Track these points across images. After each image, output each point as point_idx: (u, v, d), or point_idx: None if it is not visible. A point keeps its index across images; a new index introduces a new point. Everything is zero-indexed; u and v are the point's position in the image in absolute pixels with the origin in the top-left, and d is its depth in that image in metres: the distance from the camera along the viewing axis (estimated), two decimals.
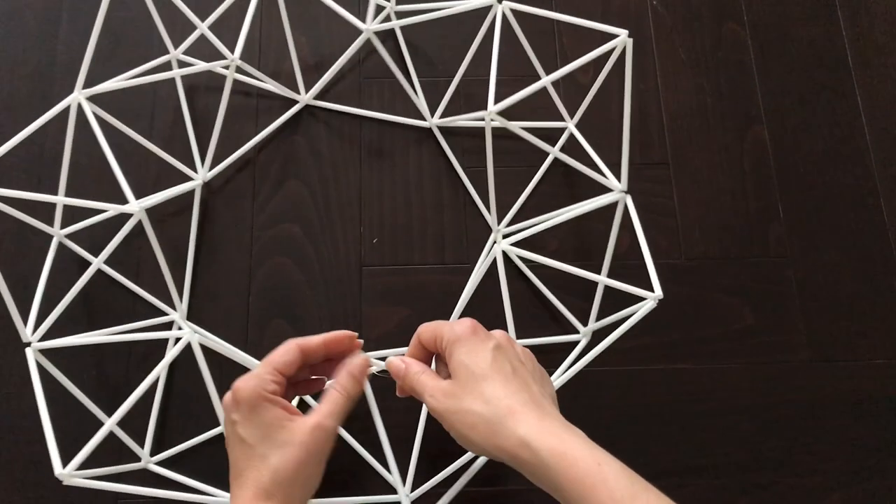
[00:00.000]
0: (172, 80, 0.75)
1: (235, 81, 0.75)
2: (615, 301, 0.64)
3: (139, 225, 0.56)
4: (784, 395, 0.68)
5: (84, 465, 0.56)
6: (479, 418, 0.47)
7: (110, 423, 0.55)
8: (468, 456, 0.63)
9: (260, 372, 0.50)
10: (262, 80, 0.72)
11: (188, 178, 0.72)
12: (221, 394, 0.54)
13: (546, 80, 0.61)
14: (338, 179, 0.73)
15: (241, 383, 0.49)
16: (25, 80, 0.75)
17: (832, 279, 0.72)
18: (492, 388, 0.48)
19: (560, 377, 0.64)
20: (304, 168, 0.74)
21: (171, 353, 0.56)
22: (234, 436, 0.49)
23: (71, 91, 0.61)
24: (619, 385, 0.67)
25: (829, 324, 0.70)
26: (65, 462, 0.54)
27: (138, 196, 0.62)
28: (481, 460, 0.62)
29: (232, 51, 0.62)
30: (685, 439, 0.66)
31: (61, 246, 0.68)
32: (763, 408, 0.67)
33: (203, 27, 0.64)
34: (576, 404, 0.63)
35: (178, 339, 0.57)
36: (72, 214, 0.68)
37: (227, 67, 0.62)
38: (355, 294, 0.70)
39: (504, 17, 0.64)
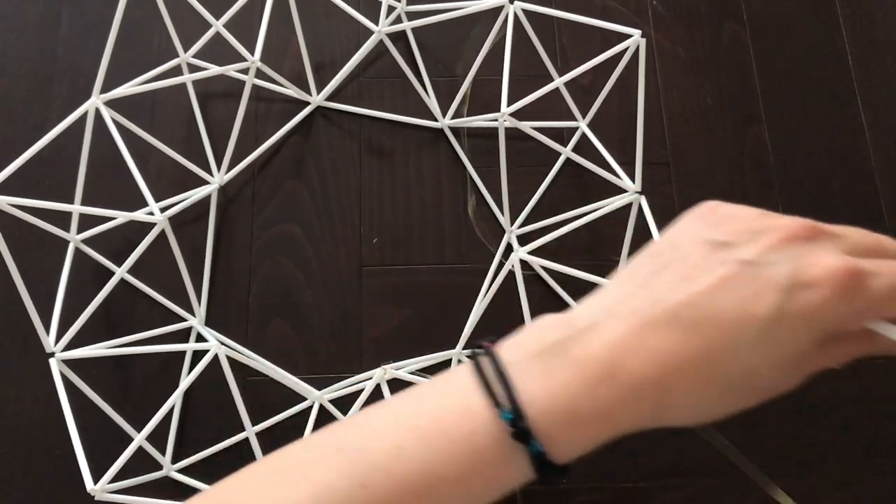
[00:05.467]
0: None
1: (235, 82, 0.75)
2: None
3: (144, 227, 0.56)
4: (784, 395, 0.67)
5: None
6: None
7: (139, 439, 0.55)
8: None
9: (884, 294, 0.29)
10: (280, 83, 0.72)
11: (199, 182, 0.71)
12: (245, 401, 0.54)
13: (559, 82, 0.61)
14: (338, 179, 0.73)
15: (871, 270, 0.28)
16: (25, 79, 0.75)
17: None
18: None
19: None
20: (304, 168, 0.74)
21: (199, 366, 0.56)
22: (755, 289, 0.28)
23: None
24: None
25: None
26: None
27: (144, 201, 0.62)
28: None
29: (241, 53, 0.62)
30: (685, 439, 0.66)
31: (74, 251, 0.67)
32: (762, 408, 0.67)
33: (218, 25, 0.64)
34: None
35: (205, 351, 0.57)
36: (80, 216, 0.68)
37: (243, 71, 0.62)
38: (355, 294, 0.70)
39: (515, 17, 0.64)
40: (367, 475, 0.27)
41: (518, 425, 0.27)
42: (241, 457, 0.63)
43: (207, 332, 0.66)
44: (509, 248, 0.70)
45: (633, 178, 0.66)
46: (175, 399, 0.58)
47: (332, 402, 0.65)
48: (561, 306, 0.69)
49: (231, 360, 0.56)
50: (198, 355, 0.65)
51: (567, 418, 0.27)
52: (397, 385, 0.66)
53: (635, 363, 0.27)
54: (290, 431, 0.64)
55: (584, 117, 0.74)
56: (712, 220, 0.30)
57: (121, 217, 0.56)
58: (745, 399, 0.30)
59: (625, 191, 0.68)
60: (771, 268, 0.28)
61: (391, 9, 0.74)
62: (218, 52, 0.73)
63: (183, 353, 0.66)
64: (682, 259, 0.29)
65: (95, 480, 0.54)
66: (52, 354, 0.57)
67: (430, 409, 0.28)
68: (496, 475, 0.28)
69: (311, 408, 0.65)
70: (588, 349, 0.28)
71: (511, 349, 0.29)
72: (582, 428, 0.28)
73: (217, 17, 0.64)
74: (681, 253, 0.29)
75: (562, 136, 0.75)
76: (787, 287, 0.27)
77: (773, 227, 0.29)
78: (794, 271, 0.28)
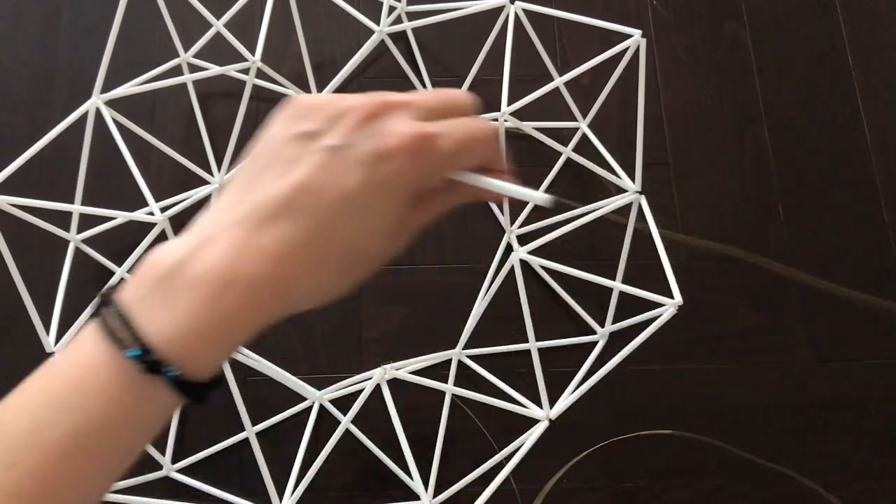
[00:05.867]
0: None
1: (235, 82, 0.75)
2: (627, 296, 0.64)
3: (144, 227, 0.56)
4: (784, 395, 0.68)
5: None
6: None
7: None
8: (494, 460, 0.63)
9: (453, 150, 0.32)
10: (280, 83, 0.72)
11: (199, 182, 0.72)
12: (245, 401, 0.54)
13: (559, 81, 0.61)
14: None
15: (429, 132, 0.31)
16: (25, 79, 0.75)
17: (832, 279, 0.71)
18: None
19: (588, 381, 0.64)
20: None
21: None
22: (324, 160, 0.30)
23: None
24: (619, 385, 0.67)
25: (829, 324, 0.70)
26: None
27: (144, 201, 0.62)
28: (511, 464, 0.62)
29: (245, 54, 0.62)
30: (685, 439, 0.66)
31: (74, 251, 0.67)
32: (763, 408, 0.67)
33: (219, 25, 0.64)
34: (576, 404, 0.63)
35: None
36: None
37: (244, 71, 0.62)
38: (355, 294, 0.69)
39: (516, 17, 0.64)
40: (12, 456, 0.27)
41: (146, 360, 0.28)
42: (240, 457, 0.63)
43: None
44: (509, 248, 0.70)
45: (633, 178, 0.66)
46: None
47: (332, 402, 0.65)
48: (561, 306, 0.69)
49: (231, 360, 0.56)
50: None
51: (196, 337, 0.28)
52: (397, 385, 0.66)
53: (249, 266, 0.29)
54: (290, 431, 0.64)
55: (584, 117, 0.74)
56: (297, 114, 0.32)
57: (121, 217, 0.56)
58: (359, 269, 0.32)
59: (625, 190, 0.68)
60: (354, 148, 0.30)
61: (392, 9, 0.74)
62: (218, 51, 0.73)
63: None
64: (276, 156, 0.31)
65: None
66: (52, 354, 0.57)
67: (60, 372, 0.29)
68: (144, 413, 0.29)
69: (311, 408, 0.65)
70: (204, 266, 0.28)
71: (129, 289, 0.29)
72: (214, 341, 0.29)
73: (217, 17, 0.64)
74: (275, 151, 0.31)
75: (562, 136, 0.75)
76: (370, 162, 0.30)
77: (350, 110, 0.31)
78: (372, 147, 0.30)
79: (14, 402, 0.29)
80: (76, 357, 0.29)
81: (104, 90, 0.61)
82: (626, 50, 0.61)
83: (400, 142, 0.30)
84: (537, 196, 0.33)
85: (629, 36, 0.60)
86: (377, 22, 0.72)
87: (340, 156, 0.30)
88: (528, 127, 0.71)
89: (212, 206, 0.31)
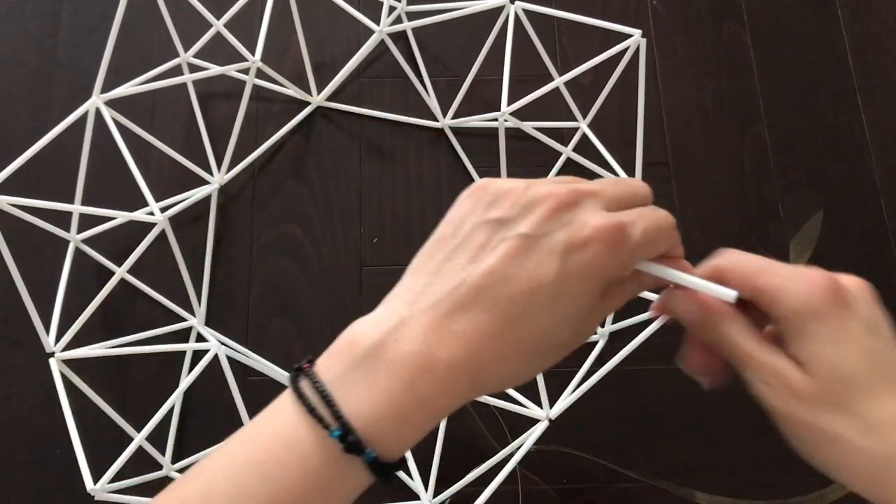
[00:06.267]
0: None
1: (235, 82, 0.75)
2: None
3: (144, 227, 0.56)
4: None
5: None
6: (855, 454, 0.32)
7: (139, 439, 0.55)
8: (494, 460, 0.62)
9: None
10: (280, 83, 0.72)
11: (199, 182, 0.72)
12: (246, 401, 0.54)
13: (559, 81, 0.61)
14: (338, 179, 0.73)
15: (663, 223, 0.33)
16: (25, 79, 0.75)
17: None
18: (877, 407, 0.31)
19: (588, 381, 0.64)
20: (304, 168, 0.74)
21: (199, 366, 0.56)
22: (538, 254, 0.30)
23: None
24: (619, 385, 0.67)
25: None
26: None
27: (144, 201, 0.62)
28: (511, 463, 0.62)
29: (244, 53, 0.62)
30: (685, 439, 0.66)
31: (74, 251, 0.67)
32: (763, 407, 0.67)
33: (219, 25, 0.64)
34: (576, 404, 0.63)
35: (205, 351, 0.57)
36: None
37: (244, 71, 0.62)
38: (355, 294, 0.70)
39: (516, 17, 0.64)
40: None
41: (348, 440, 0.28)
42: None
43: (207, 332, 0.66)
44: None
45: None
46: (175, 399, 0.58)
47: None
48: None
49: (231, 360, 0.56)
50: (198, 355, 0.65)
51: (393, 421, 0.29)
52: None
53: (446, 352, 0.29)
54: None
55: (584, 117, 0.74)
56: (486, 199, 0.32)
57: (121, 217, 0.56)
58: (546, 358, 0.32)
59: None
60: (547, 237, 0.30)
61: (392, 9, 0.74)
62: (218, 51, 0.73)
63: (183, 353, 0.66)
64: (466, 241, 0.31)
65: (95, 480, 0.54)
66: (52, 354, 0.57)
67: (262, 441, 0.29)
68: (337, 489, 0.29)
69: None
70: (401, 349, 0.29)
71: (328, 365, 0.30)
72: (408, 424, 0.29)
73: (217, 17, 0.64)
74: (464, 235, 0.31)
75: (562, 136, 0.75)
76: (565, 252, 0.30)
77: (541, 198, 0.31)
78: (567, 237, 0.30)
79: (217, 465, 0.30)
80: (274, 426, 0.30)
81: (104, 90, 0.61)
82: (626, 50, 0.61)
83: (595, 233, 0.30)
84: (722, 291, 0.33)
85: (629, 36, 0.60)
86: (377, 22, 0.72)
87: (533, 244, 0.30)
88: (528, 127, 0.71)
89: (401, 284, 0.32)
